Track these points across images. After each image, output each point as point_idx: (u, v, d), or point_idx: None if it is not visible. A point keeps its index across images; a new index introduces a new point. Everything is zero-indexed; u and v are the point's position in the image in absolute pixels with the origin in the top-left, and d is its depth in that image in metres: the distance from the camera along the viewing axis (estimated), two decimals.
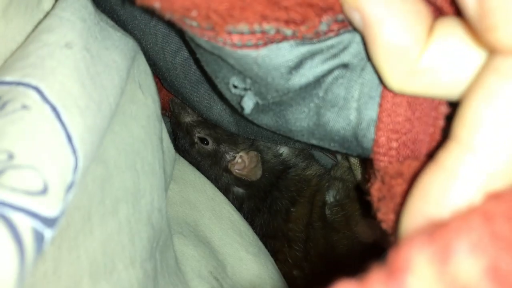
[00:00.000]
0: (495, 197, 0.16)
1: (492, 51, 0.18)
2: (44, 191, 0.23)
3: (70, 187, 0.25)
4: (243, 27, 0.22)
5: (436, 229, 0.15)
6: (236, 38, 0.23)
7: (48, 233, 0.23)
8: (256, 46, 0.23)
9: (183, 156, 0.62)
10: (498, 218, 0.15)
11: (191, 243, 0.46)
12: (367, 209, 0.26)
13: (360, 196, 0.59)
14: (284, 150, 0.68)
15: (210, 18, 0.22)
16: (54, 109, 0.25)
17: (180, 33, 0.27)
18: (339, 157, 0.69)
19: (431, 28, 0.20)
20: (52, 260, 0.26)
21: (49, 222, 0.24)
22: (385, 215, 0.24)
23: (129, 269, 0.32)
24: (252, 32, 0.23)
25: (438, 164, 0.19)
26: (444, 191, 0.18)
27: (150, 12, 0.24)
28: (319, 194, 0.65)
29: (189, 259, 0.45)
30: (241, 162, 0.64)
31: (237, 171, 0.64)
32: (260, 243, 0.53)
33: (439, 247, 0.14)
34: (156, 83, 0.58)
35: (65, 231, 0.27)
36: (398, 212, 0.23)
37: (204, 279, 0.44)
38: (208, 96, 0.49)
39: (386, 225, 0.24)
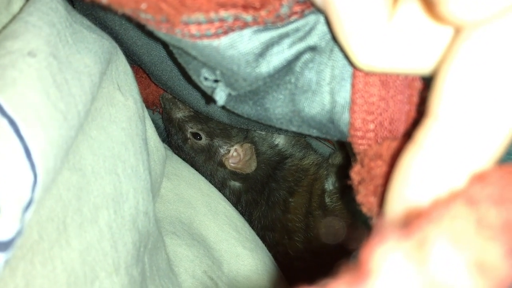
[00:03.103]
0: (479, 178, 0.15)
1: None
2: None
3: (28, 205, 0.24)
4: (199, 16, 0.21)
5: (413, 219, 0.14)
6: (193, 29, 0.22)
7: (1, 257, 0.23)
8: (217, 35, 0.22)
9: (176, 153, 0.61)
10: (483, 203, 0.14)
11: (184, 243, 0.45)
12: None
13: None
14: (280, 140, 0.67)
15: (162, 9, 0.21)
16: (12, 123, 0.24)
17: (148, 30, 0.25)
18: (337, 144, 0.68)
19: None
20: (23, 275, 0.26)
21: (3, 246, 0.23)
22: (364, 197, 0.23)
23: (112, 276, 0.31)
24: (210, 21, 0.22)
25: (414, 142, 0.18)
26: (422, 171, 0.17)
27: (109, 9, 0.23)
28: (318, 182, 0.64)
29: (183, 260, 0.44)
30: (236, 155, 0.63)
31: (232, 164, 0.63)
32: (257, 238, 0.53)
33: (416, 242, 0.13)
34: (145, 78, 0.57)
35: (37, 245, 0.26)
36: (378, 194, 0.22)
37: (198, 280, 0.43)
38: (198, 89, 0.47)
39: (365, 208, 0.23)
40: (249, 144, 0.63)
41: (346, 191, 0.59)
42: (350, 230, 0.56)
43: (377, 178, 0.22)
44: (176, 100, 0.61)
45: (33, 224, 0.26)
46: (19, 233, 0.24)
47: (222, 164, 0.63)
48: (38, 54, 0.26)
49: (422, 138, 0.17)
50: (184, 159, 0.58)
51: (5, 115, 0.24)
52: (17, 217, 0.23)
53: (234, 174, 0.64)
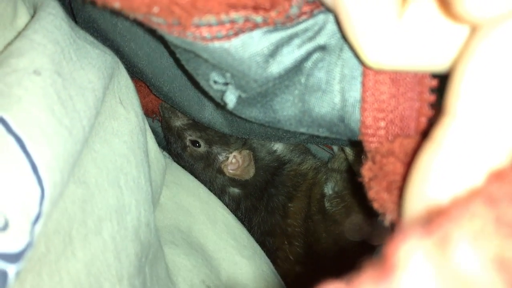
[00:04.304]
0: (497, 176, 0.15)
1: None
2: (4, 227, 0.23)
3: (37, 218, 0.25)
4: (210, 18, 0.22)
5: (434, 217, 0.14)
6: (205, 31, 0.22)
7: (11, 269, 0.23)
8: (228, 37, 0.23)
9: (176, 161, 0.61)
10: (502, 201, 0.14)
11: (183, 252, 0.46)
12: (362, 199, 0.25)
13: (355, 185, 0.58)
14: (278, 146, 0.68)
15: (174, 12, 0.21)
16: (18, 140, 0.25)
17: (159, 34, 0.26)
18: (335, 149, 0.68)
19: None
20: (31, 287, 0.26)
21: (12, 258, 0.23)
22: (377, 194, 0.23)
23: (116, 287, 0.31)
24: (221, 23, 0.22)
25: (432, 140, 0.18)
26: (441, 169, 0.17)
27: (120, 14, 0.23)
28: (317, 187, 0.64)
29: (181, 269, 0.44)
30: (235, 162, 0.63)
31: (230, 171, 0.63)
32: (256, 245, 0.53)
33: (438, 240, 0.13)
34: (144, 87, 0.57)
35: (44, 257, 0.27)
36: (392, 191, 0.22)
37: None
38: (198, 99, 0.48)
39: (377, 205, 0.23)
40: (248, 151, 0.63)
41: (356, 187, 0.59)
42: (371, 227, 0.56)
43: (390, 175, 0.22)
44: (170, 108, 0.61)
45: (40, 236, 0.27)
46: (29, 245, 0.24)
47: (221, 171, 0.64)
48: (42, 72, 0.27)
49: (441, 136, 0.17)
50: (183, 167, 0.58)
51: (12, 132, 0.25)
52: (26, 230, 0.24)
53: (233, 181, 0.64)
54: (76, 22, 0.43)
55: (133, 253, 0.34)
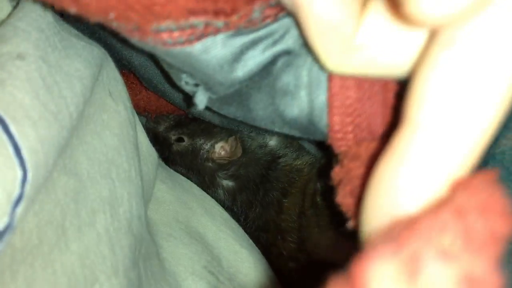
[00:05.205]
0: (464, 186, 0.15)
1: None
2: None
3: (18, 200, 0.24)
4: (169, 24, 0.21)
5: (402, 231, 0.14)
6: (165, 36, 0.22)
7: None
8: (189, 41, 0.22)
9: (174, 170, 0.61)
10: (470, 213, 0.14)
11: (181, 242, 0.46)
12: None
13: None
14: (271, 141, 0.67)
15: (131, 18, 0.21)
16: (1, 121, 0.24)
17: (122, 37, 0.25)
18: None
19: (364, 3, 0.19)
20: (24, 279, 0.26)
21: None
22: (343, 198, 0.23)
23: (111, 279, 0.31)
24: (180, 28, 0.21)
25: (393, 151, 0.17)
26: (404, 182, 0.17)
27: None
28: (311, 183, 0.64)
29: (181, 259, 0.44)
30: (224, 152, 0.64)
31: (217, 155, 0.63)
32: (252, 242, 0.54)
33: (407, 256, 0.13)
34: (136, 84, 0.57)
35: (37, 248, 0.27)
36: (356, 195, 0.22)
37: (198, 276, 0.43)
38: (182, 92, 0.47)
39: (344, 209, 0.23)
40: (233, 137, 0.63)
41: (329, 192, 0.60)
42: (339, 243, 0.57)
43: (354, 179, 0.22)
44: (154, 118, 0.63)
45: (32, 228, 0.27)
46: (9, 228, 0.24)
47: (208, 159, 0.64)
48: (27, 57, 0.27)
49: (403, 147, 0.17)
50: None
51: None
52: (6, 211, 0.23)
53: (224, 171, 0.64)
54: (62, 15, 0.43)
55: (127, 245, 0.33)
